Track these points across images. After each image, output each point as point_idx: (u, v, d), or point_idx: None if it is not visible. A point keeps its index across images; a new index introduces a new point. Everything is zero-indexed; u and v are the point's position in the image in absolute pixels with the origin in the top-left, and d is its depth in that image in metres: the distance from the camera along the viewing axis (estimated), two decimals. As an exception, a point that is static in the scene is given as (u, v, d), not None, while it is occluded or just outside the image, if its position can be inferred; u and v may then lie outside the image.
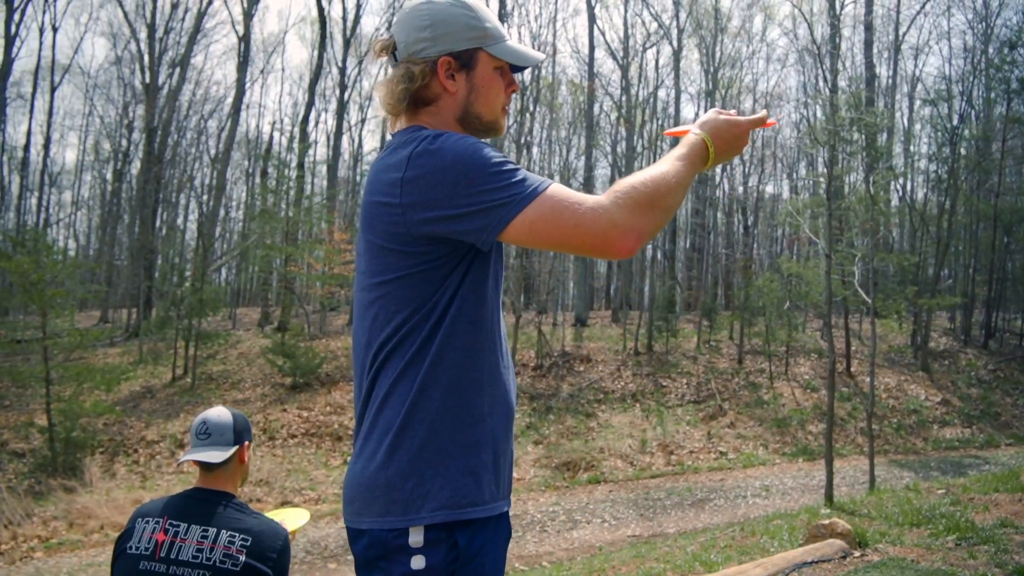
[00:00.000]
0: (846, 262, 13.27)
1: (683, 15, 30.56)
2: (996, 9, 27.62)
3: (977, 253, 25.30)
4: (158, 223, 30.66)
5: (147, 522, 2.02)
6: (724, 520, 10.62)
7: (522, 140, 25.70)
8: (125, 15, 29.34)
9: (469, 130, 1.55)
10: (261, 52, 38.19)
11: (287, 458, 14.10)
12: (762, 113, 1.67)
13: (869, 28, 28.05)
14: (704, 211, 31.07)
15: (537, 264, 25.77)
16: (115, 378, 15.60)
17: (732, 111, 1.65)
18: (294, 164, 25.91)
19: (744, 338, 21.38)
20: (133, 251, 28.05)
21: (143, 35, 28.66)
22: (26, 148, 29.59)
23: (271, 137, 36.09)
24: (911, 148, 32.29)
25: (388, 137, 1.62)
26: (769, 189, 36.26)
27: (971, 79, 26.44)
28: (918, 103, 31.81)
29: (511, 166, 1.39)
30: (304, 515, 2.65)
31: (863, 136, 14.54)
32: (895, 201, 27.68)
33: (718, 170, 31.68)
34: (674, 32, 30.63)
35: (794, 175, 35.50)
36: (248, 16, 27.88)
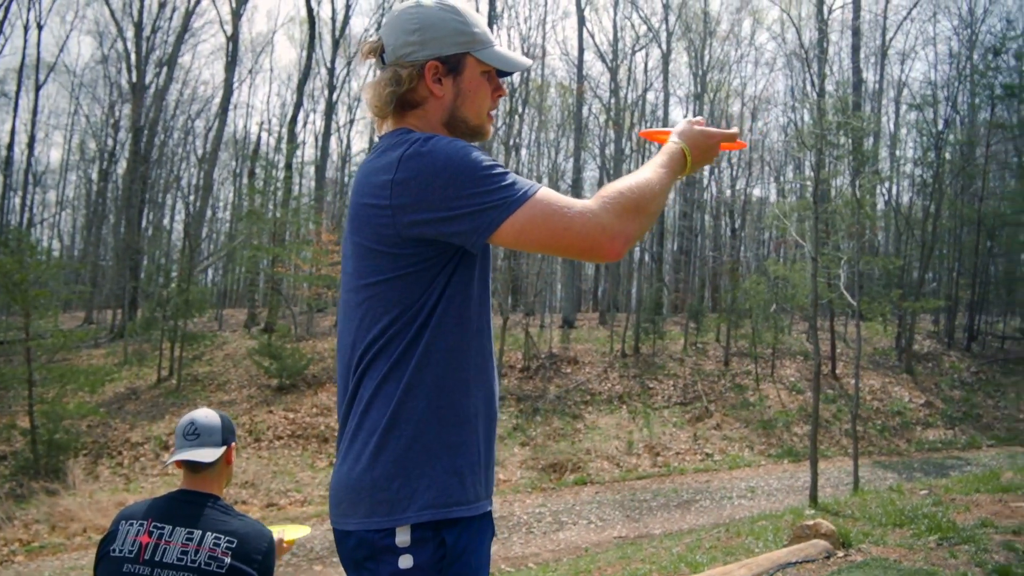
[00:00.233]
0: (832, 265, 13.36)
1: (672, 18, 30.72)
2: (981, 16, 27.90)
3: (961, 257, 25.52)
4: (144, 223, 30.46)
5: (131, 524, 2.01)
6: (710, 521, 10.66)
7: (511, 142, 25.72)
8: (112, 13, 29.15)
9: (455, 134, 1.56)
10: (249, 52, 37.94)
11: (273, 460, 14.04)
12: (734, 129, 1.71)
13: (856, 33, 28.25)
14: (692, 214, 31.20)
15: (525, 266, 25.79)
16: (99, 379, 15.48)
17: (701, 117, 1.72)
18: (282, 165, 25.81)
19: (731, 340, 21.47)
20: (118, 251, 27.86)
21: (130, 34, 28.48)
22: (10, 147, 29.29)
23: (259, 137, 36.00)
24: (897, 152, 32.54)
25: (376, 139, 1.63)
26: (756, 192, 36.49)
27: (956, 85, 26.68)
28: (904, 108, 32.05)
29: (501, 169, 1.40)
30: (305, 530, 2.64)
31: (850, 140, 14.63)
32: (881, 205, 27.90)
33: (706, 173, 31.82)
34: (663, 35, 30.76)
35: (781, 178, 35.68)
36: (236, 16, 27.77)
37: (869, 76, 31.54)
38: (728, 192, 33.42)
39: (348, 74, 32.31)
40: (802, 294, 17.43)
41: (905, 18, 31.51)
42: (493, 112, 1.64)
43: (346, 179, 34.27)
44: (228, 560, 1.97)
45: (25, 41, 30.09)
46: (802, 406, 17.78)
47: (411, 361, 1.43)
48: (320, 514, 11.04)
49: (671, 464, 14.82)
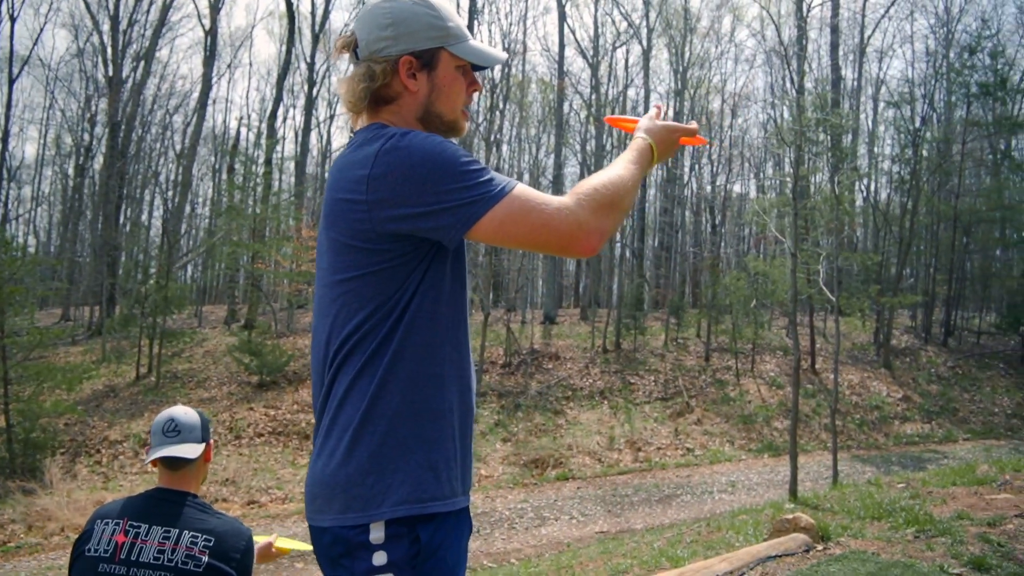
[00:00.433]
0: (811, 261, 13.47)
1: (653, 15, 30.78)
2: (957, 15, 28.25)
3: (938, 253, 25.82)
4: (122, 219, 30.10)
5: (106, 524, 1.98)
6: (691, 516, 10.72)
7: (492, 138, 25.67)
8: (87, 6, 28.74)
9: (430, 129, 1.55)
10: (228, 46, 37.67)
11: (253, 457, 13.96)
12: (692, 124, 1.77)
13: (835, 31, 28.51)
14: (672, 210, 31.34)
15: (506, 262, 25.80)
16: (77, 377, 15.30)
17: (656, 107, 1.80)
18: (262, 160, 25.67)
19: (711, 336, 21.60)
20: (96, 248, 27.51)
21: (106, 27, 28.08)
22: (-16, 141, 28.84)
23: (238, 133, 35.76)
24: (875, 149, 32.91)
25: (352, 134, 1.62)
26: (736, 188, 36.68)
27: (933, 83, 26.97)
28: (882, 105, 32.40)
29: (479, 165, 1.40)
30: (304, 546, 2.59)
31: (828, 137, 14.77)
32: (859, 201, 28.17)
33: (686, 169, 31.98)
34: (644, 31, 30.83)
35: (761, 175, 35.92)
36: (215, 9, 27.50)
37: (848, 73, 31.87)
38: (708, 188, 33.58)
39: (328, 69, 32.10)
40: (782, 290, 17.57)
41: (883, 16, 31.92)
42: (469, 107, 1.63)
43: (326, 175, 34.00)
44: (206, 559, 1.95)
45: (-2, 34, 29.56)
46: (782, 401, 17.93)
47: (385, 356, 1.42)
48: (301, 511, 10.99)
49: (652, 459, 14.89)
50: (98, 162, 30.33)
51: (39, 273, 22.80)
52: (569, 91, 30.51)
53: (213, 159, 37.89)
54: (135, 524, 1.97)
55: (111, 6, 27.48)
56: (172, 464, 2.12)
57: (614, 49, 32.25)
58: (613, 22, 38.48)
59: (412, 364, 1.43)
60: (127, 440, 14.09)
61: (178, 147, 35.16)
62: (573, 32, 33.16)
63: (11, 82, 30.13)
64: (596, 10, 31.64)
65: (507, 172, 31.64)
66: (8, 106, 29.77)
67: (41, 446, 12.85)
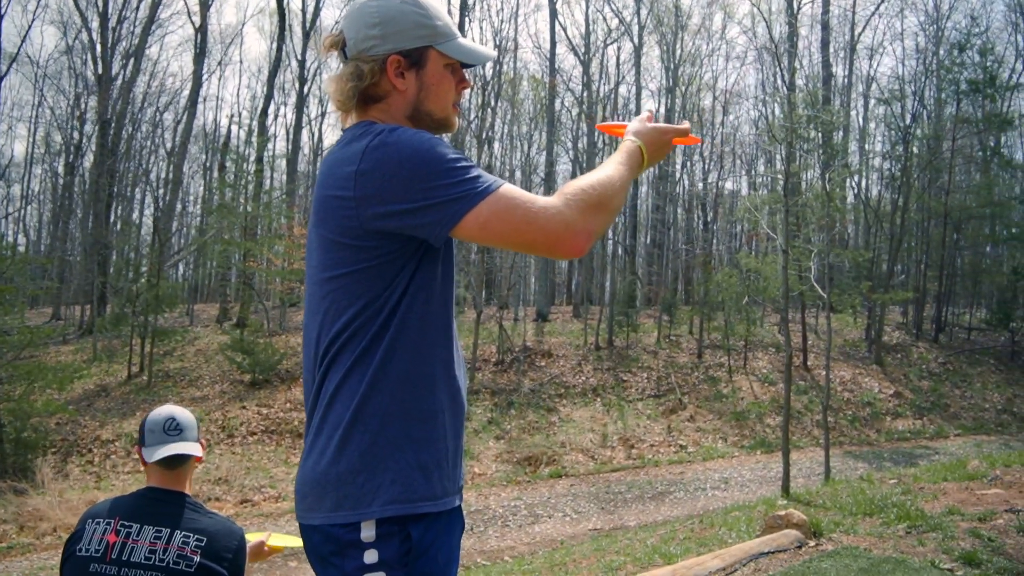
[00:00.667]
0: (803, 258, 13.50)
1: (644, 12, 30.81)
2: (946, 12, 28.39)
3: (928, 249, 25.94)
4: (112, 218, 29.92)
5: (97, 523, 1.97)
6: (684, 513, 10.75)
7: (483, 135, 25.64)
8: (76, 3, 28.53)
9: (420, 127, 1.55)
10: (218, 44, 37.58)
11: (246, 456, 13.92)
12: (684, 124, 1.74)
13: (826, 28, 28.57)
14: (664, 207, 31.38)
15: (498, 260, 25.79)
16: (68, 376, 15.22)
17: (648, 112, 1.76)
18: (253, 158, 25.53)
19: (703, 333, 21.64)
20: (86, 246, 27.37)
21: (95, 24, 27.90)
22: (-28, 140, 28.67)
23: (229, 130, 35.57)
24: (866, 146, 33.07)
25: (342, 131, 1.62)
26: (728, 185, 36.78)
27: (923, 80, 27.12)
28: (872, 102, 32.54)
29: (466, 162, 1.39)
30: (297, 542, 2.58)
31: (820, 134, 14.83)
32: (850, 198, 28.22)
33: (678, 166, 32.02)
34: (635, 29, 30.85)
35: (752, 172, 36.03)
36: (205, 7, 27.37)
37: (838, 71, 31.97)
38: (700, 185, 33.65)
39: (319, 66, 31.99)
40: (773, 287, 17.61)
41: (873, 13, 32.00)
42: (459, 104, 1.64)
43: (317, 172, 33.96)
44: (197, 559, 1.94)
45: (-14, 31, 29.29)
46: (774, 397, 17.99)
47: (375, 355, 1.42)
48: (294, 510, 10.95)
49: (645, 456, 14.92)
50: (88, 160, 30.16)
51: (29, 272, 22.67)
52: (560, 88, 30.53)
53: (204, 157, 37.75)
54: (126, 524, 1.96)
55: (100, 3, 27.30)
56: (172, 463, 2.11)
57: (605, 46, 32.30)
58: (604, 19, 38.46)
59: (403, 364, 1.43)
60: (119, 439, 14.03)
61: (168, 145, 35.04)
62: (564, 29, 33.09)
63: None
64: (587, 7, 31.72)
65: (499, 169, 31.63)
66: (-3, 104, 29.61)
67: (32, 446, 12.78)
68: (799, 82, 27.66)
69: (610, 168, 1.53)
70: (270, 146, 30.86)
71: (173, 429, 2.15)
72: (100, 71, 26.98)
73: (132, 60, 27.83)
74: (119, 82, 27.66)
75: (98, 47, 27.49)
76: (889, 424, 17.61)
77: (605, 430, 15.99)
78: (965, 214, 24.62)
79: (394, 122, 1.53)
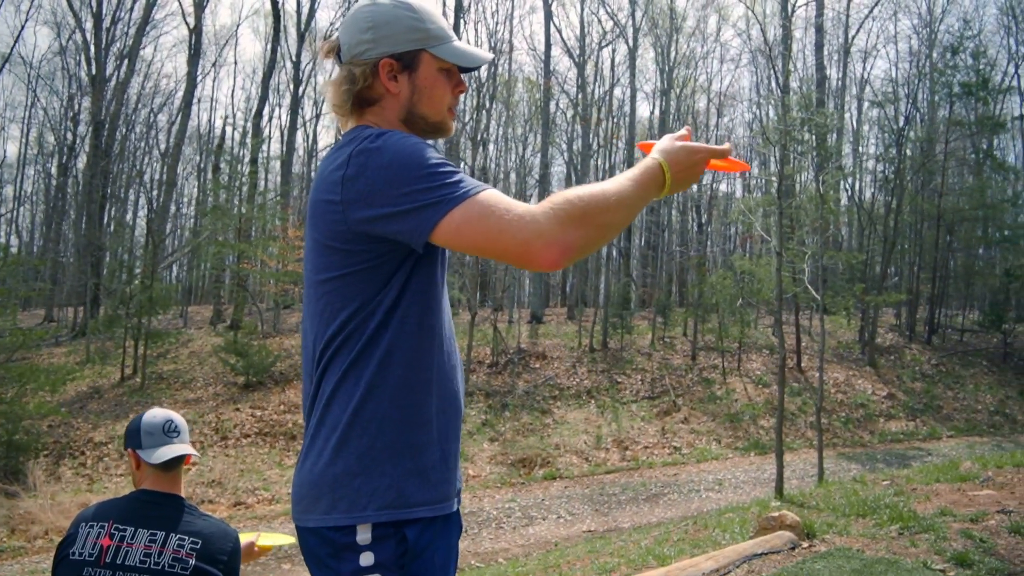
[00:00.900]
0: (797, 260, 13.54)
1: (639, 14, 30.86)
2: (939, 16, 28.56)
3: (921, 252, 26.02)
4: (106, 219, 29.86)
5: (91, 527, 1.97)
6: (678, 514, 10.76)
7: (478, 137, 25.66)
8: (69, 3, 28.43)
9: (415, 130, 1.56)
10: (213, 45, 37.43)
11: (240, 458, 13.89)
12: (726, 146, 1.61)
13: (820, 31, 28.69)
14: (659, 209, 31.42)
15: (493, 261, 25.77)
16: (60, 378, 15.16)
17: (687, 130, 1.62)
18: (247, 159, 25.56)
19: (698, 334, 21.68)
20: (79, 248, 27.31)
21: (89, 25, 27.82)
22: (-35, 141, 28.57)
23: (223, 132, 35.55)
24: (859, 148, 33.16)
25: (340, 133, 1.63)
26: (722, 188, 36.82)
27: (916, 82, 27.23)
28: (866, 105, 32.64)
29: (448, 168, 1.38)
30: (286, 540, 2.57)
31: (813, 136, 14.86)
32: (844, 200, 28.37)
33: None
34: (630, 31, 30.90)
35: (747, 174, 36.08)
36: (199, 8, 27.32)
37: (832, 73, 32.08)
38: (695, 187, 33.70)
39: (314, 68, 31.96)
40: (767, 288, 17.66)
41: (867, 16, 32.14)
42: (456, 107, 1.63)
43: (312, 174, 33.95)
44: (193, 561, 1.94)
45: (-21, 32, 29.22)
46: (768, 399, 18.02)
47: (371, 359, 1.43)
48: (288, 512, 10.94)
49: (639, 458, 14.93)
50: (81, 161, 30.08)
51: (22, 273, 22.55)
52: (555, 90, 30.56)
53: (198, 158, 37.70)
54: (120, 527, 1.96)
55: (94, 4, 27.21)
56: (169, 465, 2.11)
57: (600, 48, 32.35)
58: (599, 21, 38.60)
59: (400, 368, 1.44)
60: (112, 442, 13.98)
61: (163, 146, 34.99)
62: (559, 31, 33.24)
63: (-8, 80, 29.83)
64: (582, 9, 31.67)
65: (493, 171, 31.64)
66: (-10, 104, 29.46)
67: (24, 448, 12.72)
68: (793, 85, 27.79)
69: (614, 182, 1.44)
70: (264, 147, 30.77)
71: (172, 430, 2.15)
72: (94, 72, 26.90)
73: (126, 61, 27.76)
74: (113, 83, 27.60)
75: (92, 48, 27.42)
76: (882, 426, 17.66)
77: (599, 432, 16.00)
78: (958, 216, 24.73)
79: (389, 125, 1.53)
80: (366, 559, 1.38)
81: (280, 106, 35.42)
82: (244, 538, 2.29)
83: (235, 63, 66.40)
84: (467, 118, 23.73)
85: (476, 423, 15.90)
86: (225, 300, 27.11)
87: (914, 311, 24.73)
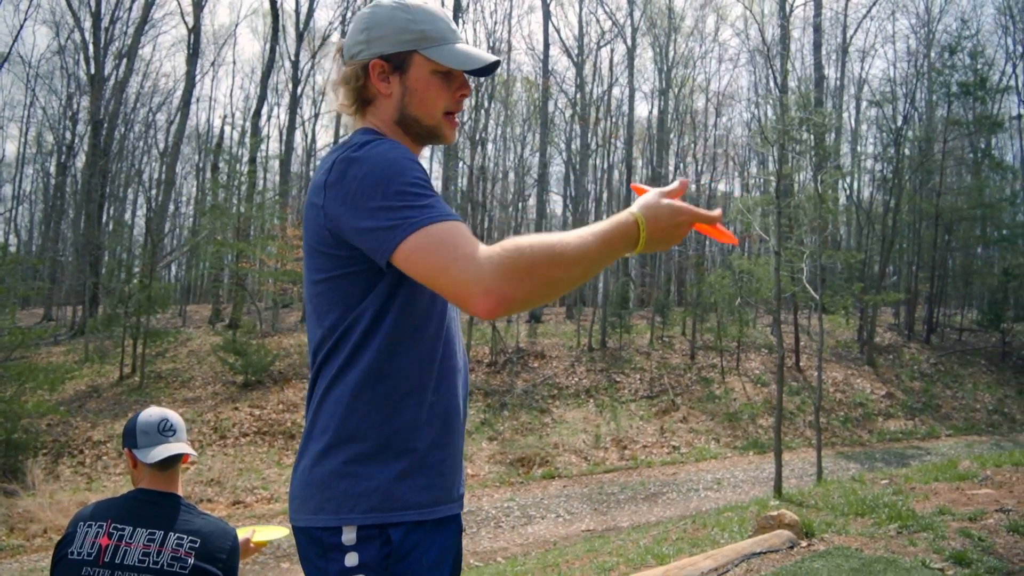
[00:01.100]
0: (795, 259, 13.55)
1: (637, 14, 30.84)
2: (937, 15, 28.59)
3: (920, 251, 26.04)
4: (104, 218, 29.84)
5: (89, 526, 1.97)
6: (677, 513, 10.76)
7: (476, 137, 25.66)
8: (68, 3, 28.41)
9: (409, 133, 1.56)
10: (212, 44, 37.41)
11: (239, 457, 13.88)
12: (716, 212, 1.50)
13: (818, 30, 28.68)
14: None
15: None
16: (59, 377, 15.15)
17: (680, 183, 1.51)
18: (246, 159, 25.54)
19: (696, 334, 21.68)
20: (78, 247, 27.28)
21: (87, 24, 27.79)
22: (-36, 140, 28.53)
23: (222, 131, 35.48)
24: (858, 148, 33.18)
25: (342, 131, 1.63)
26: (721, 187, 36.89)
27: (914, 82, 27.23)
28: (864, 104, 32.64)
29: (420, 191, 1.35)
30: (280, 532, 2.57)
31: (812, 136, 14.87)
32: (842, 200, 28.37)
33: (671, 168, 32.06)
34: (628, 30, 30.88)
35: (745, 173, 36.11)
36: (198, 7, 27.30)
37: (830, 73, 32.07)
38: (693, 187, 33.70)
39: (313, 67, 31.98)
40: (766, 288, 17.67)
41: (865, 16, 32.23)
42: (457, 112, 1.59)
43: (311, 173, 33.95)
44: (192, 560, 1.94)
45: (-23, 31, 29.21)
46: (767, 398, 18.03)
47: (362, 363, 1.44)
48: (287, 512, 10.92)
49: (638, 457, 14.94)
50: (80, 160, 30.06)
51: (20, 272, 22.55)
52: (554, 90, 30.57)
53: (197, 158, 37.68)
54: (119, 526, 1.96)
55: (92, 3, 27.19)
56: (166, 464, 2.11)
57: (599, 48, 32.32)
58: (598, 21, 38.52)
59: (392, 374, 1.44)
60: (110, 441, 13.97)
61: (161, 145, 34.96)
62: (558, 31, 33.24)
63: (-9, 79, 29.80)
64: (581, 9, 31.77)
65: (492, 170, 31.61)
66: (-12, 104, 29.44)
67: (23, 447, 12.71)
68: (791, 84, 27.79)
69: (578, 235, 1.34)
70: (263, 147, 30.74)
71: (168, 429, 2.15)
72: (93, 71, 26.88)
73: (125, 60, 27.73)
74: (112, 82, 27.57)
75: (91, 47, 27.39)
76: (881, 425, 17.67)
77: (598, 431, 16.01)
78: (956, 216, 24.74)
79: (385, 126, 1.55)
80: (351, 559, 1.39)
81: (279, 105, 35.47)
82: (240, 534, 2.30)
83: (234, 62, 66.20)
84: (466, 118, 23.72)
85: (475, 422, 15.90)
86: (224, 299, 27.11)
87: (913, 310, 24.75)
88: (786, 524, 5.54)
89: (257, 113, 27.69)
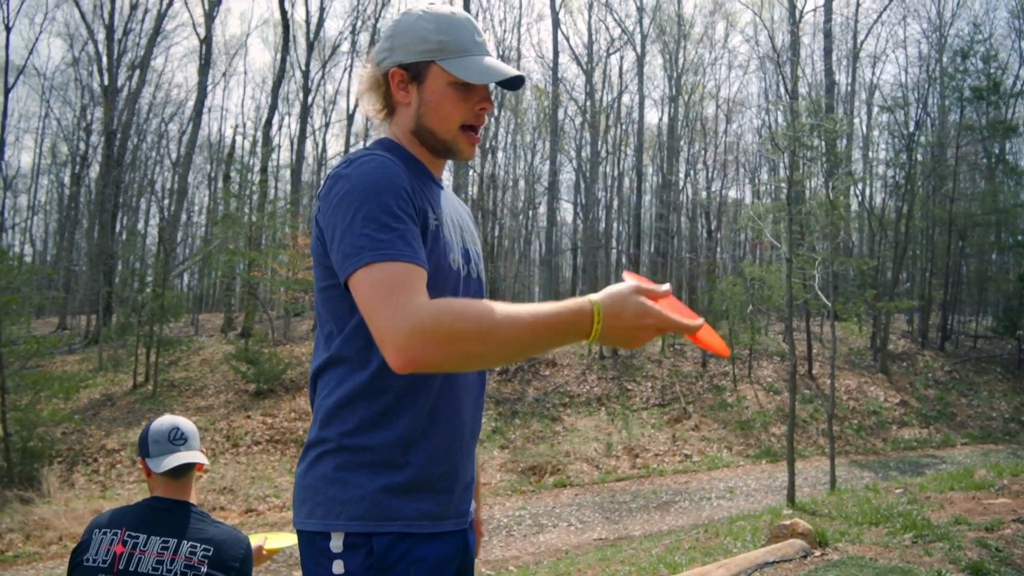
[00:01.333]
0: (807, 266, 13.48)
1: (646, 21, 30.90)
2: (949, 20, 28.44)
3: (933, 257, 25.87)
4: (118, 228, 30.08)
5: (104, 534, 1.98)
6: (689, 522, 10.71)
7: (486, 145, 25.71)
8: (82, 15, 28.78)
9: (425, 145, 1.56)
10: (223, 55, 37.66)
11: (251, 465, 13.93)
12: (696, 321, 1.36)
13: (828, 36, 28.60)
14: (668, 216, 31.39)
15: (502, 269, 25.82)
16: (74, 386, 15.27)
17: (665, 288, 1.36)
18: (257, 168, 25.68)
19: (708, 341, 21.56)
20: (92, 256, 27.48)
21: (101, 36, 28.13)
22: (-20, 151, 28.81)
23: (233, 141, 35.75)
24: (869, 154, 33.06)
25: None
26: (732, 194, 36.77)
27: (926, 87, 27.09)
28: (876, 110, 32.54)
29: (388, 219, 1.34)
30: (294, 539, 2.57)
31: (823, 142, 14.81)
32: (854, 206, 28.23)
33: (681, 175, 32.03)
34: (637, 38, 30.94)
35: (756, 180, 36.03)
36: (209, 18, 27.54)
37: (841, 79, 31.97)
38: (704, 194, 33.66)
39: (323, 77, 32.19)
40: (778, 295, 17.60)
41: (876, 21, 32.03)
42: (476, 126, 1.55)
43: (321, 182, 33.99)
44: (205, 568, 1.95)
45: (-6, 43, 29.57)
46: (779, 406, 17.93)
47: (361, 375, 1.45)
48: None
49: (650, 466, 14.88)
50: (94, 171, 30.33)
51: (36, 282, 22.76)
52: (564, 98, 30.61)
53: (209, 167, 37.91)
54: (133, 534, 1.97)
55: (106, 15, 27.54)
56: (178, 472, 2.12)
57: (608, 55, 32.38)
58: (607, 28, 38.67)
59: (390, 389, 1.44)
60: (124, 449, 14.05)
61: (174, 155, 35.21)
62: (567, 39, 33.17)
63: (7, 91, 30.11)
64: (590, 17, 31.93)
65: (502, 178, 31.65)
66: (4, 115, 29.77)
67: (38, 455, 12.82)
68: (802, 90, 27.75)
69: (520, 313, 1.26)
70: (274, 156, 30.94)
71: (178, 439, 2.16)
72: (106, 82, 27.16)
73: (137, 71, 28.01)
74: (125, 93, 27.84)
75: (104, 59, 27.72)
76: (895, 433, 17.54)
77: (609, 439, 15.96)
78: (970, 221, 24.57)
79: (404, 135, 1.56)
80: (337, 567, 1.40)
81: (290, 115, 35.62)
82: (253, 542, 2.31)
83: (245, 73, 66.92)
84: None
85: (486, 431, 15.89)
86: (236, 308, 27.20)
87: (926, 317, 24.57)
88: (799, 533, 5.51)
89: (268, 123, 27.85)
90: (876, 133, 33.85)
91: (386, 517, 1.41)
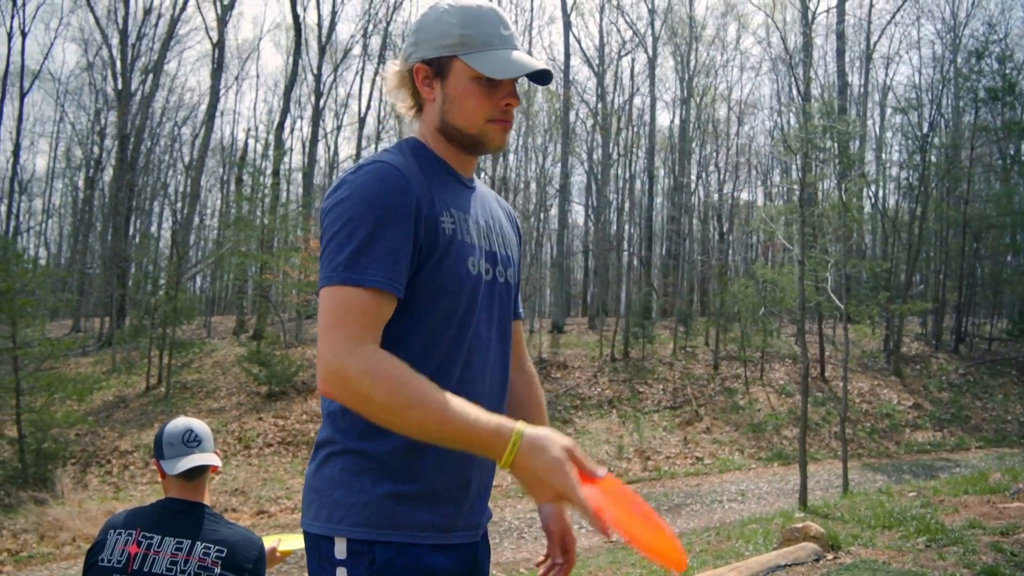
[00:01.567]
0: (819, 268, 13.42)
1: (658, 23, 30.84)
2: (963, 20, 28.23)
3: (947, 259, 25.68)
4: (131, 231, 30.29)
5: (119, 534, 2.00)
6: (700, 525, 10.67)
7: (499, 147, 25.66)
8: (96, 20, 29.02)
9: (452, 142, 1.52)
10: (235, 59, 37.79)
11: (263, 467, 13.98)
12: (598, 525, 1.23)
13: (841, 37, 28.46)
14: (679, 218, 31.33)
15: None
16: (87, 388, 15.38)
17: (603, 472, 1.31)
18: (269, 171, 25.75)
19: (720, 344, 21.53)
20: (106, 259, 27.68)
21: (115, 41, 28.35)
22: (-5, 155, 29.14)
23: (246, 144, 35.85)
24: (883, 155, 32.87)
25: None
26: (744, 196, 36.67)
27: (940, 88, 26.92)
28: (889, 111, 32.37)
29: (367, 235, 1.33)
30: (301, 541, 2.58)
31: (835, 144, 14.74)
32: (867, 208, 28.06)
33: (693, 177, 31.95)
34: (649, 40, 30.88)
35: (768, 182, 35.92)
36: (222, 22, 27.70)
37: (854, 80, 31.82)
38: (716, 196, 33.58)
39: (335, 80, 32.28)
40: (790, 297, 17.51)
41: (889, 22, 31.82)
42: (504, 120, 1.51)
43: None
44: (218, 570, 1.96)
45: (9, 48, 29.96)
46: (791, 409, 17.85)
47: None
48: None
49: (662, 468, 14.84)
50: (108, 174, 30.54)
51: (50, 285, 22.95)
52: (575, 100, 30.59)
53: (221, 170, 38.06)
54: (148, 535, 1.98)
55: (120, 20, 27.74)
56: (192, 474, 2.14)
57: (619, 58, 32.34)
58: (618, 31, 38.58)
59: None
60: (137, 450, 14.14)
61: (186, 159, 35.40)
62: (579, 41, 33.14)
63: (22, 96, 30.46)
64: (601, 19, 31.78)
65: (514, 181, 31.68)
66: (19, 120, 30.11)
67: (52, 456, 12.91)
68: (814, 92, 27.63)
69: (430, 403, 1.26)
70: (286, 159, 31.04)
71: (192, 441, 2.18)
72: (120, 87, 27.36)
73: (151, 76, 28.19)
74: (138, 97, 28.04)
75: (118, 63, 27.92)
76: (908, 436, 17.42)
77: (621, 442, 15.93)
78: (984, 223, 24.38)
79: (430, 133, 1.53)
80: (341, 574, 1.38)
81: (302, 118, 35.72)
82: (266, 543, 2.32)
83: (257, 76, 67.11)
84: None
85: (497, 433, 15.88)
86: (248, 310, 27.31)
87: (940, 320, 24.39)
88: (812, 536, 5.48)
89: (280, 126, 27.97)
90: (889, 135, 33.68)
91: (389, 525, 1.38)
